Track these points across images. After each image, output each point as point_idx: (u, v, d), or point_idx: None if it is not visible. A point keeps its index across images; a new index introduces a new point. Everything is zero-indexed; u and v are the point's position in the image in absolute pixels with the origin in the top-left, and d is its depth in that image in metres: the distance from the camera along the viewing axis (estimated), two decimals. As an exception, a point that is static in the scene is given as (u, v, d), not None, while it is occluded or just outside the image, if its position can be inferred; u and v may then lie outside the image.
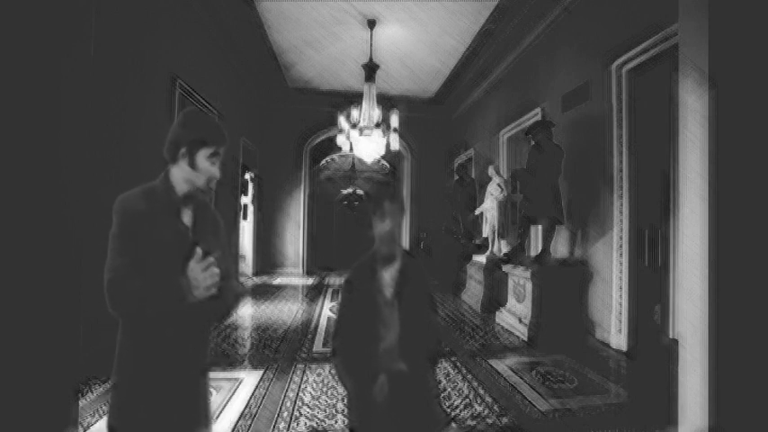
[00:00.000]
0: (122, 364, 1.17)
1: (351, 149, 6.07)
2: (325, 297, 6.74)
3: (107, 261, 1.11)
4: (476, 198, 7.43)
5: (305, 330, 4.62)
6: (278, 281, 8.30)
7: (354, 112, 5.88)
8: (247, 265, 8.53)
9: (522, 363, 3.62)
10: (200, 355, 1.26)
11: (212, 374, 1.38)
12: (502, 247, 5.95)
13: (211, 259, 1.12)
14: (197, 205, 1.26)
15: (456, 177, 7.95)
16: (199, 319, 1.20)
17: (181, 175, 1.20)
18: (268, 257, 9.24)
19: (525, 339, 4.26)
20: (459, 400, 2.80)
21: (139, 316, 1.13)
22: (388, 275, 1.47)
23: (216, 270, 1.12)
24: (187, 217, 1.23)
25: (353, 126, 5.83)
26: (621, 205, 4.05)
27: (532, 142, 4.74)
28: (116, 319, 1.15)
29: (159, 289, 1.09)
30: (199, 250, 1.13)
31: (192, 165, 1.19)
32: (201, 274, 1.10)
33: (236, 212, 7.36)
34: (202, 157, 1.20)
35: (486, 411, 2.65)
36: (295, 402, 2.72)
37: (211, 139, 1.21)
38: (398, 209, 1.44)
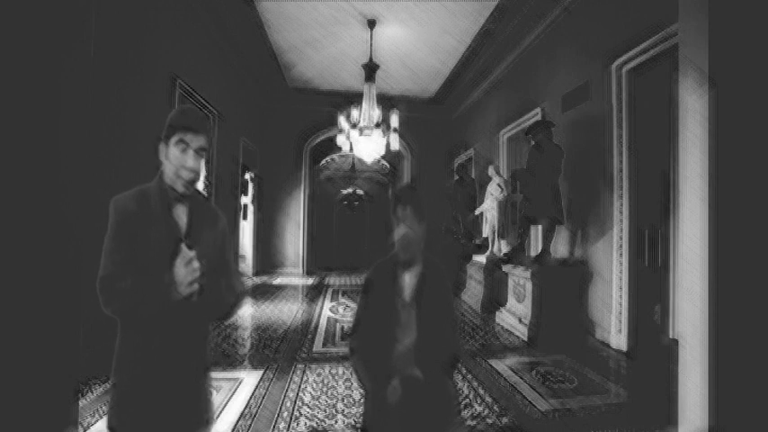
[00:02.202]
0: (121, 364, 1.16)
1: (351, 149, 6.07)
2: (325, 297, 6.74)
3: (101, 261, 1.12)
4: (476, 198, 7.42)
5: (305, 330, 4.61)
6: (278, 281, 8.29)
7: (354, 112, 5.88)
8: (247, 265, 8.53)
9: (522, 363, 3.62)
10: (200, 354, 1.25)
11: (212, 374, 1.37)
12: (502, 247, 5.95)
13: (191, 255, 1.10)
14: (193, 202, 1.24)
15: (456, 177, 7.94)
16: (194, 317, 1.19)
17: (166, 171, 1.21)
18: (268, 257, 9.24)
19: (525, 339, 4.26)
20: (460, 400, 2.80)
21: (130, 314, 1.12)
22: (408, 279, 1.44)
23: (196, 265, 1.10)
24: (182, 215, 1.22)
25: (353, 126, 5.83)
26: (621, 205, 4.05)
27: (532, 142, 4.74)
28: (115, 319, 1.15)
29: (147, 287, 1.08)
30: (183, 247, 1.11)
31: (167, 156, 1.19)
32: (183, 271, 1.09)
33: (236, 212, 7.36)
34: (172, 144, 1.18)
35: (486, 411, 2.65)
36: (295, 402, 2.72)
37: (176, 124, 1.18)
38: (412, 214, 1.40)
